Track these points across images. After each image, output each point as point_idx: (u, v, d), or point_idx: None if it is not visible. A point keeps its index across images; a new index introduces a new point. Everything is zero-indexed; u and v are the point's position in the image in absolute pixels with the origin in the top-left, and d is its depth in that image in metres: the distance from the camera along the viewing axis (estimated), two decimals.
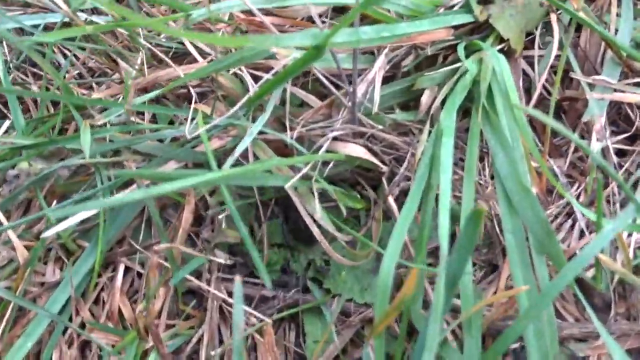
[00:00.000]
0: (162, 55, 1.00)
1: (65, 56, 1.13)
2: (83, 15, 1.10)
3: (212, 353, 0.91)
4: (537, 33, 1.02)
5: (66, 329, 0.94)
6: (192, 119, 0.92)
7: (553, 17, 0.98)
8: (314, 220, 0.89)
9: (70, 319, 0.94)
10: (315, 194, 0.84)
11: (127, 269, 1.00)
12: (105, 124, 0.89)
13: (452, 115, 0.86)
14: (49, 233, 0.81)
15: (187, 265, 0.88)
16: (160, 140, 0.95)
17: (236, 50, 0.91)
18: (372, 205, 1.00)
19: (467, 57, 0.97)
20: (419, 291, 0.83)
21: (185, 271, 0.86)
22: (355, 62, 0.83)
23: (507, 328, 0.81)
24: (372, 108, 0.91)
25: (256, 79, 0.96)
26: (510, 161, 0.88)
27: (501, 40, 1.00)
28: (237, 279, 0.60)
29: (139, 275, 1.00)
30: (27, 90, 1.09)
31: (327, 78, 0.90)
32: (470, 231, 0.58)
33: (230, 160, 0.80)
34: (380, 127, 0.92)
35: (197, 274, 0.97)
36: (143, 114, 1.01)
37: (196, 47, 1.04)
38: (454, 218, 0.94)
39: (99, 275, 0.98)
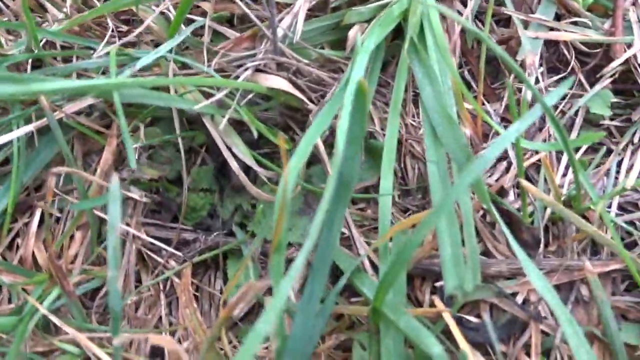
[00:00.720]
0: None
1: None
2: None
3: (128, 301, 0.87)
4: None
5: None
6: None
7: None
8: (235, 157, 0.86)
9: None
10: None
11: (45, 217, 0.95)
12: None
13: (372, 41, 0.83)
14: None
15: (98, 198, 0.83)
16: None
17: None
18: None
19: None
20: None
21: (93, 202, 0.81)
22: None
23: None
24: (302, 40, 0.88)
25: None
26: (437, 93, 0.85)
27: None
28: (114, 178, 0.56)
29: (57, 221, 0.95)
30: None
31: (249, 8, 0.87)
32: (357, 113, 0.54)
33: (126, 72, 0.76)
34: (305, 61, 0.89)
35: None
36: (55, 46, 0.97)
37: None
38: (375, 153, 0.90)
39: (14, 220, 0.94)
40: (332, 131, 0.95)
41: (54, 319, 0.74)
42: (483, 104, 0.97)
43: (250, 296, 0.60)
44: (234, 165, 0.84)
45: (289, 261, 0.88)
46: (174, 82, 0.78)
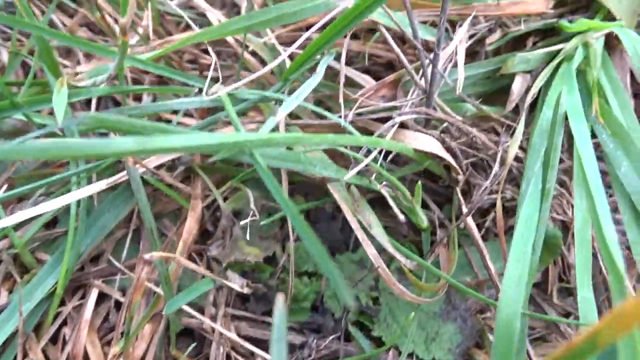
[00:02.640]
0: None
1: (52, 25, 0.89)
2: None
3: None
4: None
5: None
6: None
7: None
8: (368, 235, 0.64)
9: None
10: (386, 195, 0.59)
11: (102, 297, 0.73)
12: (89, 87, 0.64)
13: (575, 94, 0.63)
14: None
15: (187, 290, 0.61)
16: (160, 119, 0.71)
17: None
18: (436, 229, 0.75)
19: (563, 42, 0.75)
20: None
21: (184, 298, 0.59)
22: (444, 14, 0.60)
23: None
24: (448, 93, 0.68)
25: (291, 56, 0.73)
26: (636, 169, 0.64)
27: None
28: (280, 298, 0.35)
29: (117, 306, 0.73)
30: None
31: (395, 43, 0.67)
32: None
33: (267, 126, 0.55)
34: (460, 118, 0.69)
35: (199, 309, 0.70)
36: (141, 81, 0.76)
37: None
38: (553, 248, 0.70)
39: (62, 303, 0.71)
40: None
41: None
42: None
43: None
44: (371, 252, 0.62)
45: None
46: (328, 141, 0.57)
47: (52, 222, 0.75)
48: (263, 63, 0.77)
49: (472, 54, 0.77)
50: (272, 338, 0.34)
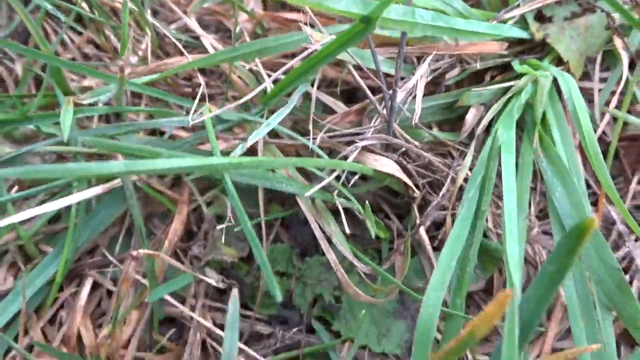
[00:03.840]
0: (175, 41, 0.86)
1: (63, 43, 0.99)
2: None
3: None
4: (597, 61, 0.90)
5: (9, 350, 0.76)
6: (196, 112, 0.77)
7: (618, 42, 0.86)
8: (329, 243, 0.74)
9: (17, 339, 0.76)
10: (341, 210, 0.69)
11: (95, 286, 0.82)
12: (92, 105, 0.73)
13: (511, 131, 0.73)
14: (3, 222, 0.65)
15: (168, 283, 0.71)
16: (155, 133, 0.81)
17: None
18: (394, 238, 0.85)
19: (517, 77, 0.85)
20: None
21: (167, 288, 0.69)
22: (401, 58, 0.70)
23: None
24: (409, 120, 0.78)
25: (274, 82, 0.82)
26: (572, 198, 0.74)
27: (557, 63, 0.88)
28: (234, 292, 0.44)
29: (109, 294, 0.82)
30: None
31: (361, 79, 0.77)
32: (568, 249, 0.42)
33: (238, 151, 0.65)
34: (417, 143, 0.78)
35: (181, 300, 0.79)
36: (138, 102, 0.86)
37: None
38: (494, 260, 0.79)
39: (60, 289, 0.81)
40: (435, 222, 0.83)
41: None
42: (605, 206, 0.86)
43: None
44: (332, 258, 0.72)
45: None
46: (285, 164, 0.66)
47: (55, 218, 0.84)
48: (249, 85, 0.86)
49: (436, 84, 0.87)
50: (226, 324, 0.44)
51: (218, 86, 0.89)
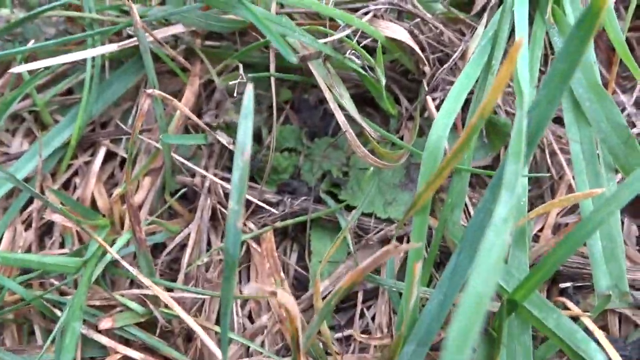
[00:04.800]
0: None
1: None
2: None
3: (198, 262, 0.75)
4: None
5: (26, 207, 0.78)
6: None
7: None
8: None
9: (32, 200, 0.78)
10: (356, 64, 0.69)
11: (109, 157, 0.84)
12: None
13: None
14: (17, 69, 0.66)
15: (181, 135, 0.72)
16: None
17: None
18: (404, 120, 0.85)
19: None
20: (459, 197, 0.68)
21: (178, 139, 0.70)
22: None
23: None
24: None
25: None
26: (583, 63, 0.73)
27: None
28: (249, 87, 0.45)
29: (122, 165, 0.84)
30: None
31: None
32: (580, 37, 0.42)
33: None
34: (429, 15, 0.78)
35: (191, 174, 0.81)
36: None
37: None
38: (502, 135, 0.79)
39: (75, 157, 0.83)
40: None
41: (128, 266, 0.63)
42: (614, 92, 0.85)
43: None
44: (340, 118, 0.73)
45: (383, 242, 0.77)
46: (303, 3, 0.66)
47: (68, 91, 0.86)
48: None
49: None
50: (240, 115, 0.45)
51: None
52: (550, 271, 0.55)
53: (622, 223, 0.75)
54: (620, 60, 0.78)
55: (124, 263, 0.63)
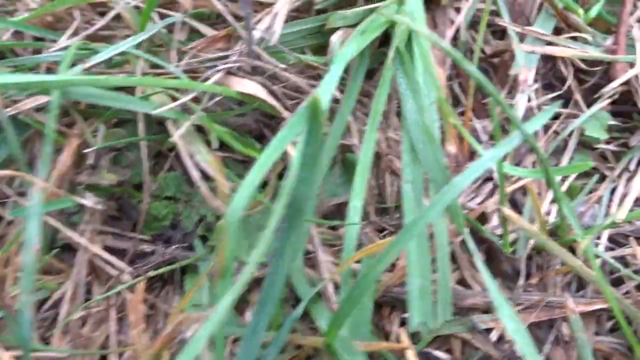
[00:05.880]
0: None
1: None
2: None
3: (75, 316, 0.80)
4: None
5: None
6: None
7: None
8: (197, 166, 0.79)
9: None
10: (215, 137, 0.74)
11: None
12: None
13: (352, 47, 0.77)
14: None
15: (48, 203, 0.76)
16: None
17: None
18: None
19: None
20: None
21: (45, 207, 0.74)
22: None
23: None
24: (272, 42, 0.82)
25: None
26: (419, 107, 0.78)
27: None
28: (36, 187, 0.50)
29: (10, 224, 0.88)
30: None
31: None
32: (312, 131, 0.47)
33: (77, 69, 0.70)
34: (282, 65, 0.83)
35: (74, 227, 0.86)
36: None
37: None
38: (352, 167, 0.84)
39: None
40: None
41: None
42: (471, 120, 0.90)
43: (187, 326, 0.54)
44: (194, 174, 0.78)
45: (257, 280, 0.82)
46: (129, 83, 0.71)
47: None
48: None
49: (308, 11, 0.91)
50: (25, 220, 0.49)
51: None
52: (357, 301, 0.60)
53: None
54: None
55: None
